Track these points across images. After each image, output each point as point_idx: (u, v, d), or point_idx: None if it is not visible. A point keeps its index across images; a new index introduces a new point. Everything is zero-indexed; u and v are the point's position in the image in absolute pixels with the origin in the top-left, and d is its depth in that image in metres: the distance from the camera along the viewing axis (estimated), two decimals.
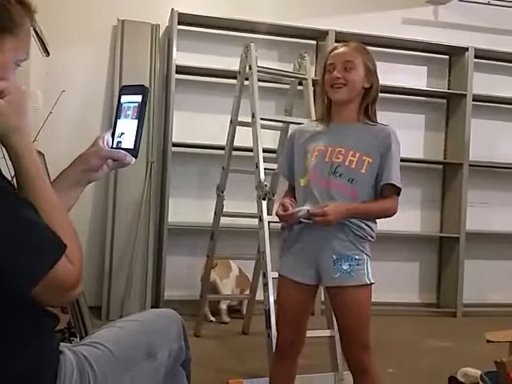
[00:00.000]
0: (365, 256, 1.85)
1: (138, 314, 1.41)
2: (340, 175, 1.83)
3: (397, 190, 1.87)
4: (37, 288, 0.97)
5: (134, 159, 1.22)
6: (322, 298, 2.77)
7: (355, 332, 1.85)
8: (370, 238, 1.87)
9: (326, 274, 1.85)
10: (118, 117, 1.25)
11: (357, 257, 1.83)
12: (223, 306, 3.82)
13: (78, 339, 2.58)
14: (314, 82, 3.89)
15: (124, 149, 1.22)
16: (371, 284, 1.84)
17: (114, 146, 1.24)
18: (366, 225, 1.85)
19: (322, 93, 1.93)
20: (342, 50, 1.91)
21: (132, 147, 1.21)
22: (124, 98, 1.25)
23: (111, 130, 1.26)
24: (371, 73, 1.89)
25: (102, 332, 1.27)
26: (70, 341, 2.55)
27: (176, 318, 1.38)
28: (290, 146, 2.00)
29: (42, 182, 1.05)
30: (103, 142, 1.24)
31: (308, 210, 1.79)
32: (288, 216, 1.84)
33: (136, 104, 1.22)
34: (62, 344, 1.16)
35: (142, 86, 1.23)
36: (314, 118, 2.09)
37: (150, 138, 3.97)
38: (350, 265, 1.82)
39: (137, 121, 1.21)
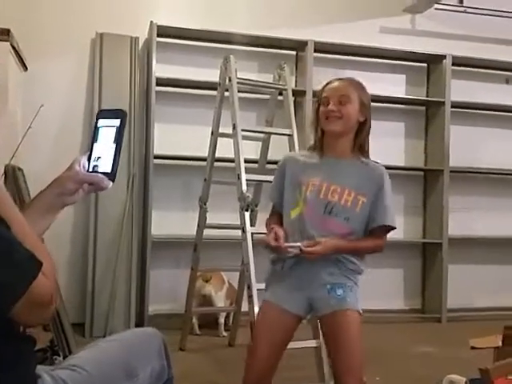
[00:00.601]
0: (355, 286, 1.89)
1: (118, 334, 1.39)
2: (336, 215, 1.86)
3: (388, 229, 1.91)
4: (16, 306, 0.96)
5: (111, 183, 1.21)
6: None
7: (351, 355, 1.81)
8: (360, 270, 1.91)
9: (321, 303, 1.86)
10: (94, 141, 1.25)
11: (349, 284, 1.87)
12: (222, 319, 3.79)
13: (62, 358, 2.55)
14: (294, 93, 3.93)
15: (101, 173, 1.21)
16: (361, 315, 1.87)
17: (90, 170, 1.23)
18: (357, 260, 1.89)
19: (316, 125, 1.94)
20: (337, 84, 1.93)
21: (109, 171, 1.21)
22: (101, 122, 1.25)
23: (87, 154, 1.25)
24: (365, 107, 1.91)
25: (80, 354, 1.26)
26: (53, 359, 2.51)
27: (157, 337, 1.36)
28: (281, 174, 1.98)
29: (12, 207, 1.06)
30: (79, 166, 1.23)
31: (300, 248, 1.80)
32: (279, 249, 1.83)
33: (114, 128, 1.21)
34: (40, 368, 1.14)
35: (121, 110, 1.23)
36: (304, 150, 2.09)
37: (131, 151, 3.94)
38: (343, 291, 1.85)
39: (115, 145, 1.21)
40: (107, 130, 1.23)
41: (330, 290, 1.85)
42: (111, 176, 1.21)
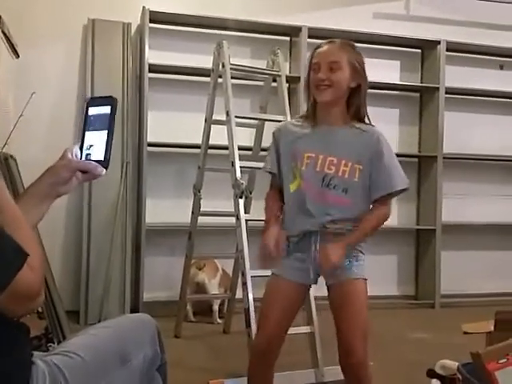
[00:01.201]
0: (361, 254, 1.90)
1: (111, 320, 1.39)
2: (334, 187, 1.83)
3: (392, 195, 1.88)
4: (1, 296, 0.96)
5: (104, 170, 1.21)
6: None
7: (355, 319, 1.84)
8: (364, 240, 1.92)
9: (327, 273, 1.87)
10: (85, 129, 1.24)
11: (354, 254, 1.87)
12: (216, 306, 3.80)
13: (56, 345, 2.55)
14: (288, 79, 3.91)
15: (94, 161, 1.21)
16: (366, 280, 1.90)
17: (83, 158, 1.23)
18: None
19: (308, 92, 1.88)
20: (326, 48, 1.85)
21: (102, 159, 1.20)
22: (92, 110, 1.24)
23: (79, 143, 1.24)
24: (358, 72, 1.84)
25: (74, 340, 1.26)
26: (48, 347, 2.52)
27: (150, 323, 1.36)
28: (276, 145, 1.94)
29: (5, 195, 1.05)
30: (72, 155, 1.22)
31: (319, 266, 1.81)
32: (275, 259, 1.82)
33: (105, 115, 1.20)
34: (34, 354, 1.14)
35: (111, 97, 1.22)
36: (298, 115, 2.00)
37: (125, 139, 3.92)
38: (349, 261, 1.86)
39: (106, 132, 1.20)
40: (98, 117, 1.22)
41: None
42: (104, 163, 1.20)
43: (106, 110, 1.21)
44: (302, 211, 1.85)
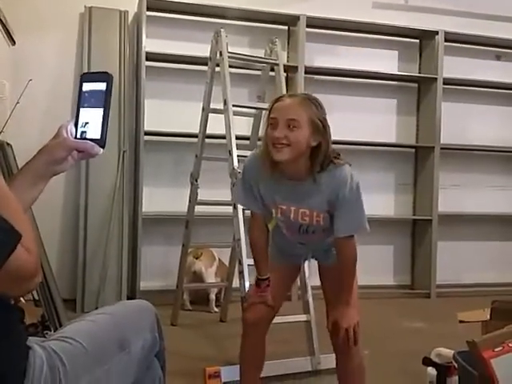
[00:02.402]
0: None
1: (110, 306, 1.39)
2: (313, 232, 1.89)
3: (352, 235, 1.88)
4: None
5: (101, 150, 1.18)
6: (299, 283, 2.79)
7: (343, 290, 1.89)
8: None
9: (319, 257, 2.04)
10: (80, 105, 1.20)
11: None
12: (212, 295, 3.81)
13: (53, 332, 2.55)
14: (286, 68, 3.90)
15: (90, 139, 1.18)
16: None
17: (78, 136, 1.19)
18: None
19: (265, 144, 1.76)
20: (287, 103, 1.73)
21: (98, 137, 1.17)
22: (86, 86, 1.20)
23: (74, 120, 1.21)
24: (319, 130, 1.71)
25: (72, 326, 1.25)
26: (44, 334, 2.52)
27: (149, 309, 1.36)
28: (248, 184, 1.89)
29: None
30: (67, 133, 1.18)
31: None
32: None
33: (100, 92, 1.17)
34: (31, 339, 1.13)
35: (106, 72, 1.18)
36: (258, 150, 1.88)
37: (122, 127, 3.91)
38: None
39: (102, 109, 1.16)
40: (93, 94, 1.18)
41: (328, 251, 1.97)
42: (101, 142, 1.17)
43: (102, 86, 1.17)
44: (289, 248, 2.02)
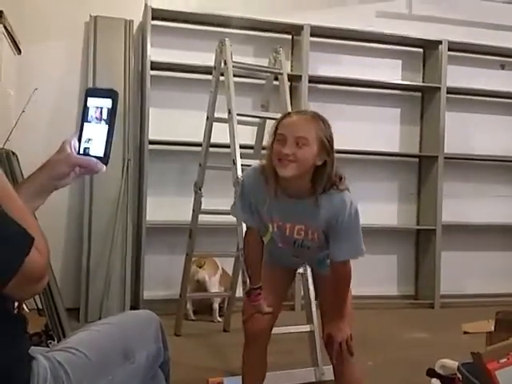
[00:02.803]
0: None
1: (114, 316, 1.39)
2: (308, 248, 1.90)
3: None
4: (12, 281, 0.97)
5: (104, 167, 1.18)
6: (302, 293, 2.79)
7: (337, 302, 1.90)
8: None
9: (313, 266, 2.07)
10: (84, 120, 1.20)
11: None
12: (216, 305, 3.81)
13: (56, 342, 2.55)
14: (290, 77, 3.91)
15: (93, 156, 1.18)
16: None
17: (81, 151, 1.19)
18: None
19: (269, 159, 1.75)
20: (295, 120, 1.73)
21: (102, 155, 1.17)
22: (91, 101, 1.20)
23: (77, 135, 1.21)
24: (325, 149, 1.71)
25: (76, 336, 1.25)
26: (48, 344, 2.52)
27: (154, 319, 1.36)
28: (247, 198, 1.89)
29: (4, 183, 1.05)
30: (70, 148, 1.19)
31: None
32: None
33: (105, 108, 1.16)
34: (35, 349, 1.14)
35: (112, 90, 1.18)
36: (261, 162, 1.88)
37: (126, 136, 3.92)
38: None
39: (107, 126, 1.16)
40: (98, 110, 1.18)
41: (322, 262, 1.97)
42: (104, 160, 1.17)
43: (107, 103, 1.17)
44: (284, 260, 2.02)
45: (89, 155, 1.18)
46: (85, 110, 1.20)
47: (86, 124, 1.20)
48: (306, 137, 1.68)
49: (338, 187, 1.75)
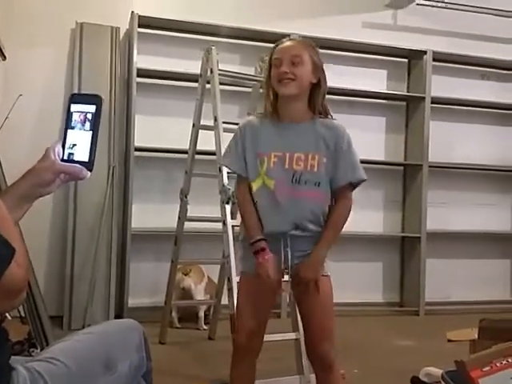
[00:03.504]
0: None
1: (97, 326, 1.37)
2: (305, 182, 1.82)
3: (353, 186, 1.88)
4: None
5: (89, 173, 1.17)
6: (288, 300, 2.79)
7: (321, 321, 1.86)
8: None
9: (292, 268, 1.87)
10: (68, 126, 1.19)
11: None
12: (201, 312, 3.78)
13: (39, 350, 2.52)
14: None
15: (77, 162, 1.18)
16: (328, 276, 1.89)
17: (65, 157, 1.18)
18: (321, 227, 1.87)
19: (268, 88, 1.88)
20: (288, 44, 1.87)
21: (86, 160, 1.16)
22: (75, 107, 1.19)
23: (61, 141, 1.20)
24: (318, 68, 1.86)
25: (57, 346, 1.24)
26: (30, 352, 2.49)
27: (136, 328, 1.35)
28: (241, 141, 1.89)
29: None
30: (54, 155, 1.18)
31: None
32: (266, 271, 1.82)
33: (89, 114, 1.16)
34: (15, 359, 1.11)
35: (96, 95, 1.18)
36: (260, 112, 1.99)
37: (112, 142, 3.91)
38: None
39: (91, 132, 1.16)
40: (82, 115, 1.18)
41: (300, 257, 1.85)
42: (89, 166, 1.17)
43: (91, 108, 1.17)
44: (274, 211, 1.83)
45: (73, 161, 1.17)
46: (69, 115, 1.20)
47: (69, 130, 1.19)
48: (300, 54, 1.82)
49: (331, 116, 1.89)
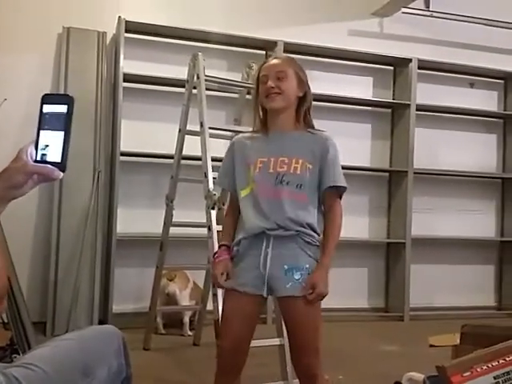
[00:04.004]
0: (315, 263, 1.86)
1: (76, 331, 1.36)
2: (287, 183, 1.86)
3: (339, 193, 1.92)
4: None
5: (61, 174, 1.16)
6: (273, 307, 2.79)
7: (307, 340, 1.86)
8: (318, 243, 1.89)
9: (278, 284, 1.85)
10: (40, 127, 1.19)
11: (307, 266, 1.84)
12: (186, 318, 3.77)
13: (21, 356, 2.50)
14: None
15: (50, 162, 1.18)
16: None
17: (38, 158, 1.18)
18: (314, 231, 1.88)
19: (256, 105, 1.98)
20: (273, 61, 1.99)
21: (59, 161, 1.15)
22: (47, 108, 1.19)
23: (34, 142, 1.21)
24: (303, 82, 1.96)
25: (36, 352, 1.23)
26: (12, 358, 2.47)
27: (116, 334, 1.34)
28: (230, 156, 2.01)
29: None
30: (27, 156, 1.17)
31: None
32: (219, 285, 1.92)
33: (61, 115, 1.16)
34: None
35: (67, 95, 1.17)
36: (252, 129, 2.09)
37: (97, 147, 3.89)
38: (301, 274, 1.83)
39: (63, 133, 1.15)
40: (54, 116, 1.17)
41: (287, 272, 1.83)
42: (61, 166, 1.15)
43: (63, 109, 1.16)
44: (256, 211, 1.87)
45: (46, 162, 1.17)
46: (41, 116, 1.19)
47: (42, 131, 1.19)
48: (285, 70, 1.93)
49: (316, 129, 1.98)
